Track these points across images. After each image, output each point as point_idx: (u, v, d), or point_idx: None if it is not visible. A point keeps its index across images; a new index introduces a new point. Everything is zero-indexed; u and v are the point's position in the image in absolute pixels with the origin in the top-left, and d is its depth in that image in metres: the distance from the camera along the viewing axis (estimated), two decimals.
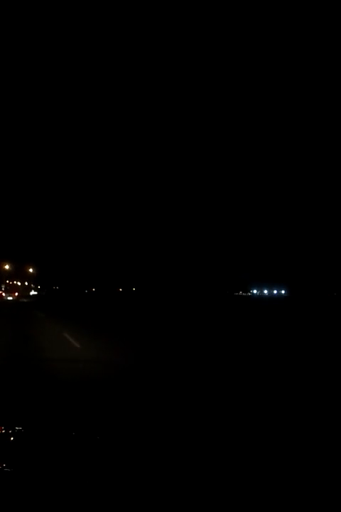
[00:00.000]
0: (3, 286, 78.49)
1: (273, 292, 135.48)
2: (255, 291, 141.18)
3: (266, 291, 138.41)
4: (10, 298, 58.27)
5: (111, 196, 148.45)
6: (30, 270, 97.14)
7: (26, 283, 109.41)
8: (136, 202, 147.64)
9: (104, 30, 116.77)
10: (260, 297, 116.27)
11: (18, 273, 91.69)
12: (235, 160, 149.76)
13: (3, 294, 59.79)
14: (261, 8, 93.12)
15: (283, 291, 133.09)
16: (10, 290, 70.94)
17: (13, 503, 1.29)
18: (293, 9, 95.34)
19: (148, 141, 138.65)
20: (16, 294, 65.87)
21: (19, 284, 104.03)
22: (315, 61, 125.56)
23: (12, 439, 2.08)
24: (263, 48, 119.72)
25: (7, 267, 79.08)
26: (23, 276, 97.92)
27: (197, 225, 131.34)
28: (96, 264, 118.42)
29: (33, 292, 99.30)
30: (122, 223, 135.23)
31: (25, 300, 56.63)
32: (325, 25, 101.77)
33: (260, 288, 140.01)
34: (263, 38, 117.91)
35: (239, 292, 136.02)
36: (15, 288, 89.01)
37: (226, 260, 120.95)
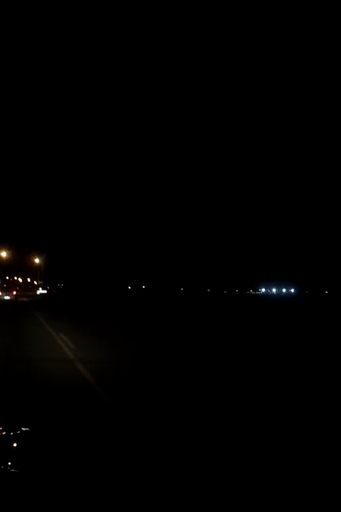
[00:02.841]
0: None
1: (281, 291, 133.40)
2: (263, 290, 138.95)
3: (274, 290, 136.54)
4: (7, 297, 46.00)
5: (119, 195, 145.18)
6: (36, 261, 75.22)
7: (28, 279, 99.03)
8: (146, 201, 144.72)
9: (104, 30, 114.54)
10: (269, 296, 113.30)
11: (19, 264, 72.77)
12: (244, 164, 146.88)
13: (0, 293, 47.59)
14: (261, 8, 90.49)
15: (292, 290, 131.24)
16: (8, 287, 56.32)
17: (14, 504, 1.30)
18: (293, 9, 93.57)
19: (155, 144, 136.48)
20: (14, 292, 50.27)
21: (20, 280, 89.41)
22: (315, 61, 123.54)
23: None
24: (263, 48, 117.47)
25: (4, 254, 59.48)
26: (24, 268, 78.19)
27: (208, 224, 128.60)
28: (104, 260, 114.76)
29: (41, 290, 75.70)
30: (132, 220, 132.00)
31: (25, 299, 44.22)
32: (325, 25, 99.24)
33: (268, 287, 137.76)
34: (263, 38, 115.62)
35: (249, 291, 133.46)
36: (15, 284, 73.31)
37: (235, 259, 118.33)
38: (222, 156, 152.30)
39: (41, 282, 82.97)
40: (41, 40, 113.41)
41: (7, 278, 76.65)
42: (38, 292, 72.36)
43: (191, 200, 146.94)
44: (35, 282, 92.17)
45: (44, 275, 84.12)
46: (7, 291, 48.89)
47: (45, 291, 77.60)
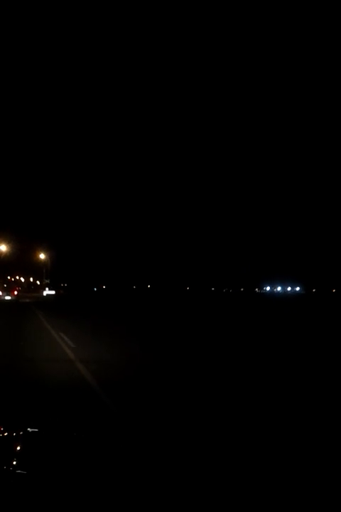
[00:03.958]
0: None
1: (286, 289, 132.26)
2: (268, 288, 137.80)
3: (279, 288, 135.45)
4: (8, 297, 42.90)
5: (125, 194, 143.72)
6: (42, 257, 64.24)
7: (31, 278, 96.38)
8: (151, 200, 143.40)
9: (104, 30, 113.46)
10: (274, 294, 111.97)
11: (21, 261, 64.40)
12: (251, 164, 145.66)
13: (0, 293, 44.07)
14: (261, 8, 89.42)
15: (297, 288, 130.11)
16: (9, 287, 52.85)
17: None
18: (293, 9, 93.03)
19: (161, 143, 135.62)
20: (16, 292, 46.94)
21: (23, 280, 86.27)
22: (315, 61, 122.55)
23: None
24: (263, 48, 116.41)
25: (3, 247, 50.95)
26: (27, 266, 69.62)
27: (213, 223, 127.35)
28: (108, 259, 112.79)
29: (47, 291, 63.75)
30: (138, 219, 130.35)
31: (27, 300, 40.93)
32: (325, 25, 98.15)
33: (273, 285, 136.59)
34: (263, 38, 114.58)
35: (255, 289, 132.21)
36: (17, 284, 69.57)
37: (240, 258, 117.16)
38: (229, 156, 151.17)
39: (48, 281, 69.62)
40: (42, 38, 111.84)
41: (8, 277, 72.17)
42: (45, 293, 61.14)
43: (196, 200, 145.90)
44: (38, 282, 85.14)
45: (50, 274, 71.42)
46: (8, 291, 45.98)
47: (52, 292, 64.89)
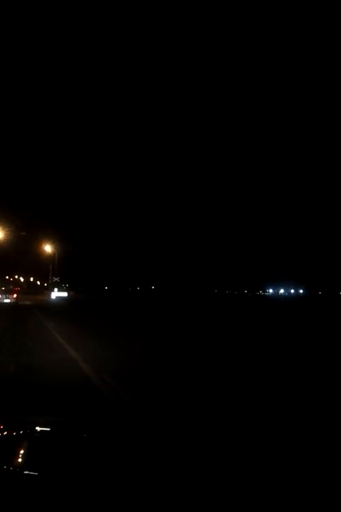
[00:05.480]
0: None
1: (289, 292, 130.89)
2: (271, 291, 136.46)
3: (282, 291, 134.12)
4: (7, 300, 39.22)
5: (125, 194, 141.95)
6: (47, 249, 52.52)
7: (32, 278, 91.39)
8: (154, 201, 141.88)
9: (104, 30, 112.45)
10: (279, 297, 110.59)
11: (21, 255, 56.08)
12: (252, 163, 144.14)
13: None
14: (261, 8, 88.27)
15: (300, 291, 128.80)
16: (7, 288, 45.92)
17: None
18: (293, 9, 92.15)
19: (166, 145, 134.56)
20: (15, 295, 41.88)
21: (22, 279, 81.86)
22: (315, 61, 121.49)
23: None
24: (263, 48, 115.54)
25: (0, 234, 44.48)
26: (28, 261, 60.10)
27: (216, 225, 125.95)
28: (111, 261, 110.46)
29: (57, 293, 51.28)
30: (141, 220, 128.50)
31: (27, 302, 37.51)
32: (325, 25, 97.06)
33: (276, 287, 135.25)
34: (263, 38, 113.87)
35: (259, 292, 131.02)
36: (16, 284, 63.66)
37: (243, 260, 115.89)
38: (232, 159, 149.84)
39: (57, 279, 56.30)
40: (41, 41, 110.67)
41: (7, 277, 67.14)
42: (54, 295, 49.97)
43: (201, 201, 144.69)
44: (38, 282, 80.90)
45: (58, 271, 56.99)
46: (7, 294, 41.54)
47: (64, 294, 52.46)
